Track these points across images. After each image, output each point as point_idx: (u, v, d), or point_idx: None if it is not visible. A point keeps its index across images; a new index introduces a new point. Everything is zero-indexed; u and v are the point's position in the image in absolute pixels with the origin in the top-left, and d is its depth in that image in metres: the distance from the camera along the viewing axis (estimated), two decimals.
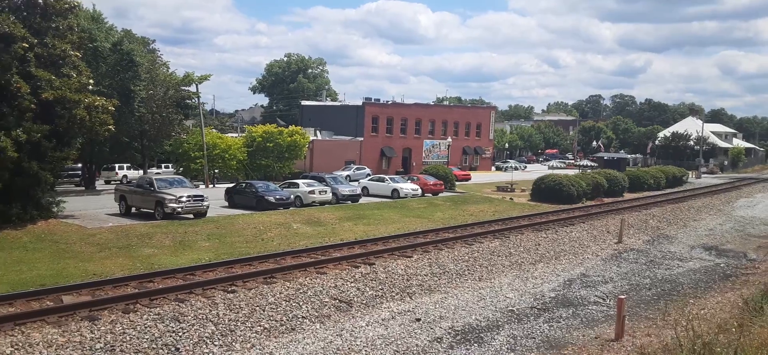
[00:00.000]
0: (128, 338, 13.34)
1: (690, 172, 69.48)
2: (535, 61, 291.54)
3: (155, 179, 30.79)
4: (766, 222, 36.72)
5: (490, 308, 17.41)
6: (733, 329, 11.37)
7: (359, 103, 70.73)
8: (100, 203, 33.57)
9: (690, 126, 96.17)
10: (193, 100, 49.70)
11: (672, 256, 26.03)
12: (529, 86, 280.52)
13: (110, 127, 28.32)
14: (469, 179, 57.23)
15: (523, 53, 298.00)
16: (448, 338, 14.75)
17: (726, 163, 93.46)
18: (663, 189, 54.66)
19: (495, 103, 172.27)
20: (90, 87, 28.22)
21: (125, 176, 49.27)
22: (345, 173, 51.01)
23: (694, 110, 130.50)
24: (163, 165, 56.00)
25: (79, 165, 46.73)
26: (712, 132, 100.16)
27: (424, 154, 70.69)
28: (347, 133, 65.82)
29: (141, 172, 49.87)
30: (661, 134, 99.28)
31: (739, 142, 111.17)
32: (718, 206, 44.16)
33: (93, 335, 13.27)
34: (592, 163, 77.42)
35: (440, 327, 15.52)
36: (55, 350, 12.57)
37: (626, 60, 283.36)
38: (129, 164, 51.23)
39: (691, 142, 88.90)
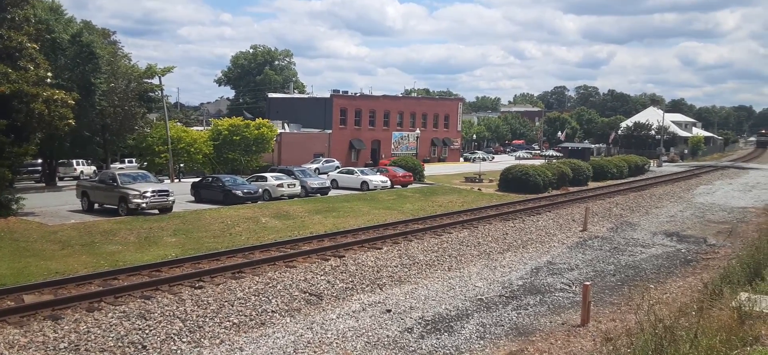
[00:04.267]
0: (93, 337, 13.06)
1: (652, 161, 71.13)
2: (501, 52, 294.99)
3: (118, 174, 30.14)
4: (724, 208, 37.86)
5: (459, 297, 17.57)
6: (693, 313, 11.68)
7: (327, 95, 70.45)
8: (62, 200, 32.71)
9: (651, 116, 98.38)
10: (157, 93, 48.69)
11: (635, 242, 26.65)
12: (495, 78, 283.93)
13: (70, 121, 27.55)
14: (423, 167, 57.12)
15: (489, 45, 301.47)
16: (418, 328, 14.84)
17: (686, 151, 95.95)
18: (626, 177, 55.84)
19: (462, 94, 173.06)
20: (48, 80, 27.37)
21: (82, 172, 48.09)
22: (314, 166, 50.76)
23: (655, 101, 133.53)
24: (126, 160, 54.79)
25: (39, 161, 45.42)
26: (673, 122, 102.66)
27: (392, 146, 70.78)
28: (315, 125, 65.46)
29: (94, 168, 48.80)
30: (623, 124, 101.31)
31: (699, 132, 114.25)
32: (678, 193, 45.35)
33: (56, 335, 12.96)
34: (558, 153, 78.61)
35: (411, 317, 15.60)
36: (18, 350, 12.24)
37: (589, 52, 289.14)
38: (89, 160, 49.98)
39: (653, 132, 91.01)
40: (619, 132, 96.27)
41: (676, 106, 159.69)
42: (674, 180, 54.07)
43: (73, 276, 17.36)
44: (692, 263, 22.76)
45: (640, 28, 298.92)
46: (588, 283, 15.94)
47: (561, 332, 14.69)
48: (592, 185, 48.69)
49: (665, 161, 79.47)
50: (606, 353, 11.66)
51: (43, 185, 43.80)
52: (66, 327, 13.33)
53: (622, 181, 52.86)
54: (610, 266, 22.16)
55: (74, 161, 49.60)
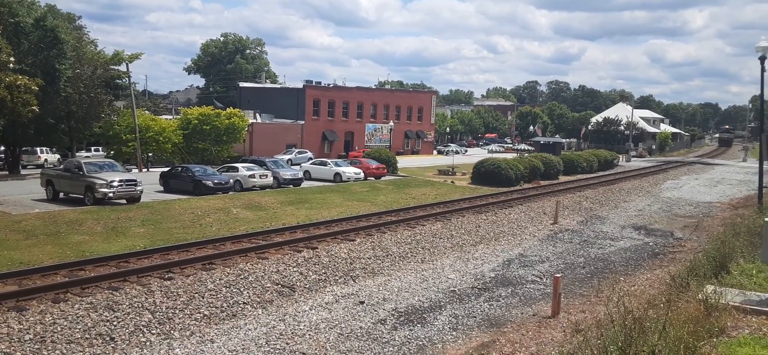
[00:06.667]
0: (59, 329, 12.73)
1: (621, 156, 72.35)
2: (474, 46, 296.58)
3: (84, 162, 29.42)
4: (691, 203, 38.72)
5: (432, 289, 17.61)
6: (662, 305, 11.88)
7: (300, 85, 69.81)
8: (26, 188, 31.81)
9: (621, 112, 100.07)
10: (124, 80, 47.68)
11: (604, 235, 27.08)
12: (469, 71, 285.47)
13: (34, 107, 26.89)
14: (397, 160, 56.77)
15: (463, 38, 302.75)
16: (391, 320, 14.83)
17: (654, 147, 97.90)
18: (595, 172, 56.72)
19: (436, 87, 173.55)
20: (11, 65, 26.64)
21: (46, 160, 46.88)
22: (286, 157, 50.34)
23: (624, 97, 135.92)
24: (92, 148, 53.58)
25: (2, 148, 44.14)
26: (641, 117, 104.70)
27: (366, 138, 70.62)
28: (288, 116, 64.89)
29: (59, 156, 47.66)
30: (593, 119, 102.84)
31: (666, 128, 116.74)
32: (646, 187, 46.23)
33: (21, 327, 12.60)
34: (529, 147, 79.50)
35: (384, 309, 15.58)
36: None
37: (561, 47, 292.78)
38: (54, 148, 48.73)
39: (622, 127, 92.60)
40: (590, 127, 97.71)
41: (645, 102, 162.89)
42: (642, 175, 55.11)
43: (38, 266, 16.91)
44: (660, 256, 23.21)
45: (610, 25, 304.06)
46: (558, 275, 16.12)
47: (532, 323, 14.84)
48: (562, 178, 49.33)
49: (634, 156, 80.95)
50: (576, 344, 11.79)
51: (6, 173, 42.56)
52: (31, 318, 12.97)
53: (592, 175, 53.68)
54: (580, 258, 22.47)
55: (38, 149, 48.32)
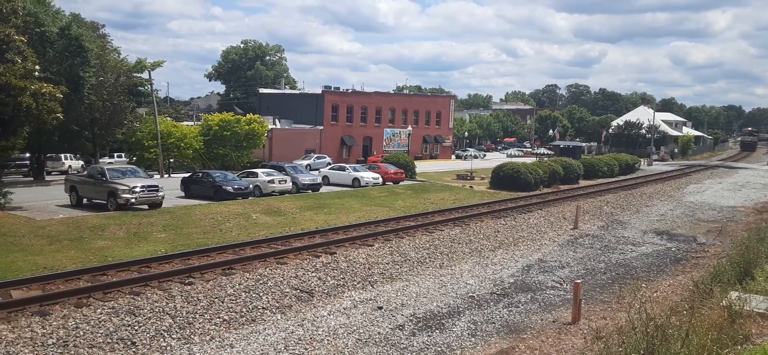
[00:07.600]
0: (82, 333, 12.92)
1: (642, 160, 71.46)
2: (493, 50, 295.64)
3: (107, 168, 29.88)
4: (714, 207, 38.09)
5: (451, 294, 17.54)
6: (685, 312, 11.71)
7: (319, 91, 70.18)
8: (50, 194, 32.39)
9: (642, 115, 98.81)
10: (146, 88, 48.38)
11: (625, 241, 26.74)
12: (487, 75, 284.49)
13: (58, 115, 27.32)
14: (415, 164, 56.64)
15: (481, 42, 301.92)
16: (409, 326, 14.80)
17: (676, 150, 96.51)
18: (616, 176, 56.07)
19: (454, 92, 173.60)
20: (36, 73, 27.11)
21: (70, 167, 47.71)
22: (305, 162, 50.60)
23: (645, 100, 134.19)
24: (115, 154, 54.44)
25: (27, 155, 45.04)
26: (663, 121, 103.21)
27: (384, 143, 70.70)
28: (307, 121, 65.27)
29: (82, 162, 48.52)
30: (614, 123, 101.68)
31: (689, 131, 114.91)
32: (668, 192, 45.57)
33: (45, 331, 12.81)
34: (549, 152, 78.89)
35: (402, 315, 15.56)
36: (5, 346, 12.09)
37: (581, 50, 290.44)
38: (77, 154, 49.62)
39: (643, 131, 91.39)
40: (610, 131, 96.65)
41: (667, 105, 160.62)
42: (664, 179, 54.35)
43: (61, 271, 17.18)
44: (682, 262, 22.86)
45: (631, 28, 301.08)
46: (579, 281, 15.95)
47: (552, 329, 14.70)
48: (583, 183, 48.85)
49: (656, 160, 79.89)
50: (597, 352, 11.66)
51: (31, 179, 43.40)
52: (54, 323, 13.19)
53: (613, 179, 53.08)
54: (601, 264, 22.22)
55: (62, 156, 49.23)
